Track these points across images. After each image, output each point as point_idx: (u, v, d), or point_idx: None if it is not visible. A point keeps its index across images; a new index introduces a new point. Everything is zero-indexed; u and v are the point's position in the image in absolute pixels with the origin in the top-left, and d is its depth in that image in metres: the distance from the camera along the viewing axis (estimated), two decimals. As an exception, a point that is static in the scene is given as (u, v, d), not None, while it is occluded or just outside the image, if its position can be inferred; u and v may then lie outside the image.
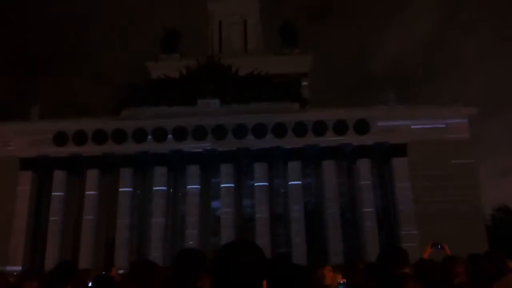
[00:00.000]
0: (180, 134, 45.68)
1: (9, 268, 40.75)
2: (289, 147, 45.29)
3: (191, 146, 45.65)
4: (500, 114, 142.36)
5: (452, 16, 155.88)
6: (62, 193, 45.75)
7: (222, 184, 45.25)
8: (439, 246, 8.98)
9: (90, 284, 8.83)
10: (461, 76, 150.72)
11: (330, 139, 45.09)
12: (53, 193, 45.68)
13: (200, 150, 45.69)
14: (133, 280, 4.84)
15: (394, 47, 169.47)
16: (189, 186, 45.39)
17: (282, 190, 46.99)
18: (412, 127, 45.24)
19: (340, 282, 8.54)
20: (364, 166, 45.11)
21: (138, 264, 5.10)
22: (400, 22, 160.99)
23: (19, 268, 40.76)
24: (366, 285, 6.73)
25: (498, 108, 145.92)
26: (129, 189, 45.64)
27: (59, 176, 46.18)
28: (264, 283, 3.06)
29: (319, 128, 45.22)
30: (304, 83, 56.61)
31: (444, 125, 45.45)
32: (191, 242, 42.96)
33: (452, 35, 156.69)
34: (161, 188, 45.55)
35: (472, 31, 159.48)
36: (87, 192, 45.48)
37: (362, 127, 45.15)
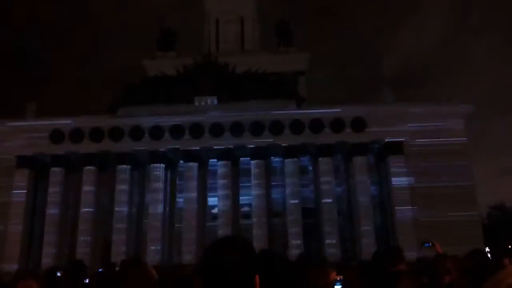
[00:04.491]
0: (177, 132, 45.63)
1: (5, 266, 40.68)
2: (286, 144, 45.33)
3: (188, 143, 45.62)
4: (505, 114, 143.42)
5: (461, 18, 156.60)
6: (59, 191, 45.64)
7: (219, 181, 45.27)
8: (430, 244, 8.97)
9: (87, 281, 8.85)
10: (468, 76, 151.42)
11: (327, 136, 45.13)
12: (49, 191, 45.57)
13: (197, 147, 45.68)
14: (123, 279, 4.85)
15: (403, 47, 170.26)
16: (186, 183, 45.39)
17: (279, 187, 47.02)
18: (409, 125, 45.27)
19: (336, 279, 8.59)
20: (360, 163, 45.17)
21: (127, 263, 5.10)
22: (410, 23, 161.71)
23: (15, 266, 40.60)
24: (361, 283, 6.77)
25: (503, 109, 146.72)
26: (126, 186, 45.57)
27: (55, 173, 46.09)
28: (257, 278, 2.93)
29: (316, 125, 45.24)
30: (301, 81, 56.72)
31: (441, 123, 45.53)
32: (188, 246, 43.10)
33: (461, 36, 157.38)
34: (158, 185, 45.52)
35: (481, 33, 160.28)
36: (84, 190, 45.39)
37: (359, 125, 45.19)
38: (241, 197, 46.81)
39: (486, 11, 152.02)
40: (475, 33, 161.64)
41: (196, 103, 46.78)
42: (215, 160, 46.24)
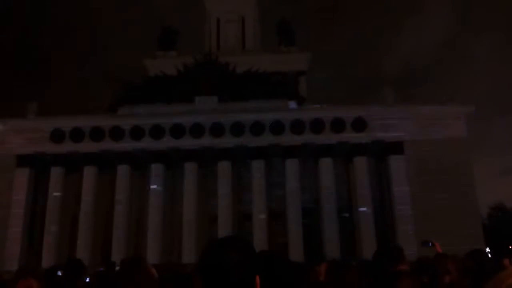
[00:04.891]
0: (177, 131, 45.64)
1: (6, 265, 40.67)
2: (287, 144, 45.32)
3: (188, 143, 45.62)
4: (505, 114, 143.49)
5: (463, 19, 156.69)
6: (59, 190, 45.65)
7: (219, 181, 45.25)
8: (430, 244, 8.93)
9: (87, 280, 8.87)
10: (468, 76, 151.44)
11: (328, 136, 45.14)
12: (50, 190, 45.60)
13: (198, 147, 45.70)
14: (123, 278, 4.86)
15: (403, 47, 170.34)
16: (186, 183, 45.38)
17: (280, 188, 47.00)
18: (410, 125, 45.32)
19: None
20: (361, 163, 45.19)
21: (127, 262, 5.10)
22: (411, 23, 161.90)
23: (15, 265, 40.60)
24: (360, 283, 6.77)
25: (503, 109, 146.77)
26: (126, 186, 45.59)
27: (56, 173, 46.10)
28: (257, 278, 2.94)
29: (317, 125, 45.26)
30: (302, 81, 56.74)
31: (441, 123, 45.54)
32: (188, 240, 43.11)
33: (462, 36, 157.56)
34: (158, 185, 45.53)
35: (482, 33, 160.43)
36: (84, 189, 45.41)
37: (360, 125, 45.21)
38: (241, 197, 46.78)
39: (487, 11, 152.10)
40: (475, 33, 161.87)
41: (197, 103, 46.78)
42: (215, 160, 46.19)
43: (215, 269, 2.87)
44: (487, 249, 39.19)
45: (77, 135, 46.03)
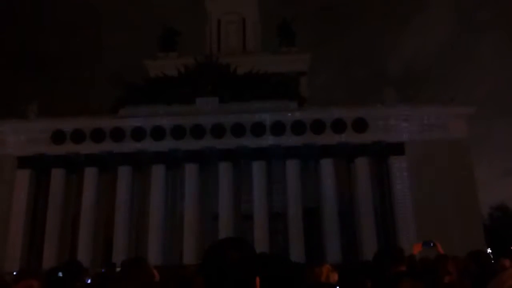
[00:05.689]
0: (178, 132, 45.66)
1: (7, 265, 40.70)
2: (287, 145, 45.32)
3: (189, 144, 45.63)
4: (507, 115, 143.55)
5: (466, 19, 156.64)
6: (60, 192, 45.68)
7: (220, 182, 45.27)
8: (432, 244, 8.90)
9: (89, 282, 8.88)
10: (470, 77, 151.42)
11: (328, 137, 45.13)
12: (51, 192, 45.61)
13: (198, 148, 45.70)
14: (123, 279, 4.86)
15: (405, 48, 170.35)
16: (187, 184, 45.40)
17: (280, 189, 46.97)
18: (411, 126, 45.30)
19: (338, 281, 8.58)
20: (362, 164, 45.17)
21: (128, 263, 5.11)
22: (413, 23, 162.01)
23: (16, 266, 40.63)
24: (362, 284, 6.76)
25: (506, 109, 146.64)
26: (127, 188, 45.61)
27: (57, 174, 46.12)
28: (257, 280, 2.97)
29: (317, 126, 45.25)
30: (303, 81, 56.72)
31: (442, 124, 45.51)
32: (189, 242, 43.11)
33: (465, 37, 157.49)
34: (159, 186, 45.54)
35: (485, 34, 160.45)
36: (85, 191, 45.43)
37: (361, 125, 45.19)
38: (242, 198, 46.77)
39: (488, 11, 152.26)
40: (479, 34, 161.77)
41: (197, 104, 46.80)
42: (216, 161, 46.20)
43: (216, 270, 2.89)
44: (489, 250, 39.16)
45: (78, 136, 46.06)
